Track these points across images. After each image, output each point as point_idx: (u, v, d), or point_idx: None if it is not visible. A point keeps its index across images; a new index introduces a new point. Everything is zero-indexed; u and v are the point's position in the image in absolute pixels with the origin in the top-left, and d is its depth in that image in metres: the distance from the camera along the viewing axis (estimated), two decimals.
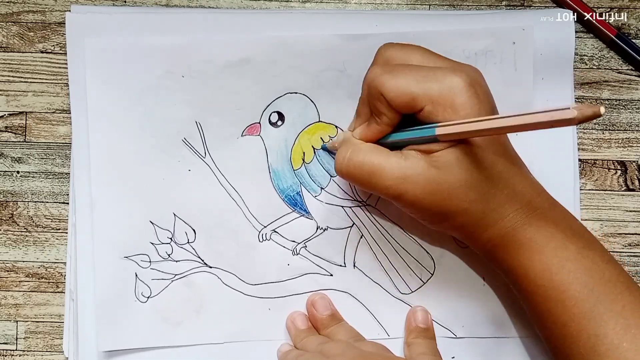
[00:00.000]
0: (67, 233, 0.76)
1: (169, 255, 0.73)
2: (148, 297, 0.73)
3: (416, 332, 0.72)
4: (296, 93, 0.73)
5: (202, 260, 0.74)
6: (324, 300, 0.73)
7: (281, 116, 0.74)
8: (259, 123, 0.74)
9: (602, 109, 0.45)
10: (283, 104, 0.74)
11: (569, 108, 0.46)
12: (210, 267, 0.73)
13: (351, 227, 0.74)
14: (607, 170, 0.75)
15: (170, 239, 0.73)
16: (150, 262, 0.73)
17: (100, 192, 0.73)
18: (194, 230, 0.73)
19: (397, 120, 0.62)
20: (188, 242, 0.73)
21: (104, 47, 0.73)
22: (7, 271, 0.76)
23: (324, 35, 0.73)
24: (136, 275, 0.73)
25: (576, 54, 0.75)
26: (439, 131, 0.57)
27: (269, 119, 0.74)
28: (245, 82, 0.73)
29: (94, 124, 0.73)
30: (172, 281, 0.73)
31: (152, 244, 0.73)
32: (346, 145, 0.64)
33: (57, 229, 0.76)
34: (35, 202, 0.76)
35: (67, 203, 0.76)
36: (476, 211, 0.61)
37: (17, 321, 0.76)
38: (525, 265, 0.62)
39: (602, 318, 0.59)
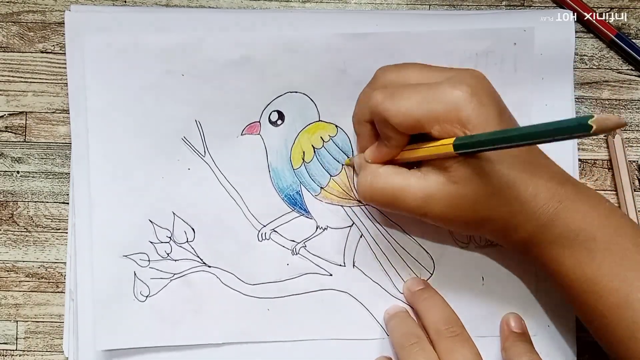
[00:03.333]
0: (67, 233, 0.76)
1: (168, 254, 0.73)
2: (147, 296, 0.73)
3: (513, 337, 0.72)
4: (296, 92, 0.73)
5: (201, 260, 0.73)
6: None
7: (281, 115, 0.73)
8: (259, 122, 0.73)
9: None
10: (283, 103, 0.73)
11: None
12: (209, 267, 0.73)
13: (351, 226, 0.74)
14: (607, 170, 0.75)
15: (170, 238, 0.73)
16: (149, 261, 0.73)
17: (99, 191, 0.73)
18: (193, 230, 0.73)
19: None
20: (187, 241, 0.73)
21: (103, 45, 0.73)
22: (7, 271, 0.76)
23: (324, 34, 0.72)
24: (135, 274, 0.73)
25: (576, 54, 0.75)
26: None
27: (269, 118, 0.73)
28: (245, 80, 0.73)
29: (93, 123, 0.73)
30: (171, 280, 0.73)
31: (151, 242, 0.73)
32: (365, 171, 0.66)
33: (57, 229, 0.76)
34: (35, 202, 0.76)
35: (67, 203, 0.76)
36: (502, 216, 0.61)
37: (17, 321, 0.76)
38: (558, 260, 0.62)
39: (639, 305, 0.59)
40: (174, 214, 0.73)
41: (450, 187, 0.60)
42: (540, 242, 0.62)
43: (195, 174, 0.73)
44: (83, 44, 0.73)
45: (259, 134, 0.74)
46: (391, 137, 0.63)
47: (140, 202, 0.73)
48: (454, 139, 0.58)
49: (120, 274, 0.73)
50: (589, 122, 0.44)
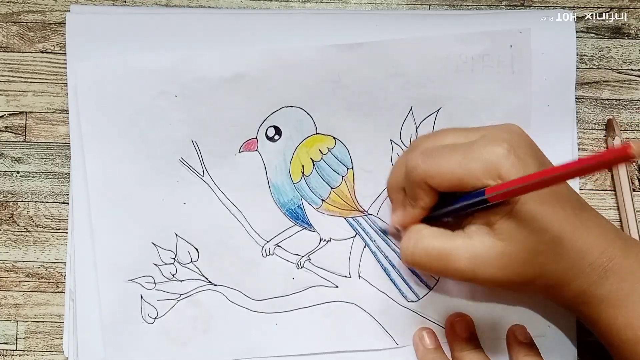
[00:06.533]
0: (67, 233, 0.76)
1: (173, 275, 0.74)
2: (155, 318, 0.74)
3: (524, 351, 0.72)
4: (292, 106, 0.73)
5: (207, 279, 0.74)
6: (464, 323, 0.73)
7: (278, 130, 0.73)
8: (256, 138, 0.73)
9: None
10: (279, 118, 0.73)
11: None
12: (215, 285, 0.74)
13: (354, 237, 0.74)
14: (607, 170, 0.75)
15: (174, 259, 0.74)
16: (154, 283, 0.73)
17: (100, 216, 0.73)
18: (196, 249, 0.74)
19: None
20: (191, 262, 0.74)
21: (96, 70, 0.72)
22: (7, 271, 0.77)
23: (317, 46, 0.72)
24: (142, 297, 0.73)
25: (576, 53, 0.75)
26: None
27: (266, 133, 0.73)
28: (239, 97, 0.73)
29: (90, 148, 0.73)
30: (177, 301, 0.74)
31: (156, 265, 0.73)
32: (408, 234, 0.64)
33: (57, 229, 0.76)
34: (35, 202, 0.76)
35: (67, 203, 0.76)
36: (552, 272, 0.60)
37: (17, 321, 0.77)
38: (608, 320, 0.61)
39: None
40: (176, 235, 0.74)
41: (497, 245, 0.59)
42: (591, 300, 0.61)
43: (196, 194, 0.74)
44: (83, 45, 0.73)
45: (256, 150, 0.73)
46: (420, 198, 0.62)
47: (142, 225, 0.74)
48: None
49: (127, 298, 0.74)
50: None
